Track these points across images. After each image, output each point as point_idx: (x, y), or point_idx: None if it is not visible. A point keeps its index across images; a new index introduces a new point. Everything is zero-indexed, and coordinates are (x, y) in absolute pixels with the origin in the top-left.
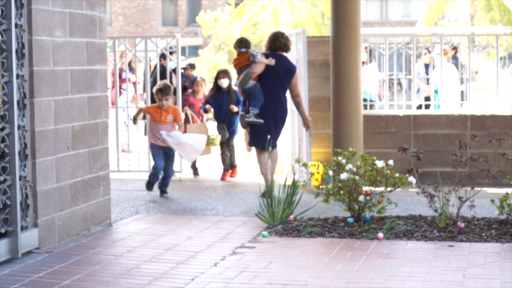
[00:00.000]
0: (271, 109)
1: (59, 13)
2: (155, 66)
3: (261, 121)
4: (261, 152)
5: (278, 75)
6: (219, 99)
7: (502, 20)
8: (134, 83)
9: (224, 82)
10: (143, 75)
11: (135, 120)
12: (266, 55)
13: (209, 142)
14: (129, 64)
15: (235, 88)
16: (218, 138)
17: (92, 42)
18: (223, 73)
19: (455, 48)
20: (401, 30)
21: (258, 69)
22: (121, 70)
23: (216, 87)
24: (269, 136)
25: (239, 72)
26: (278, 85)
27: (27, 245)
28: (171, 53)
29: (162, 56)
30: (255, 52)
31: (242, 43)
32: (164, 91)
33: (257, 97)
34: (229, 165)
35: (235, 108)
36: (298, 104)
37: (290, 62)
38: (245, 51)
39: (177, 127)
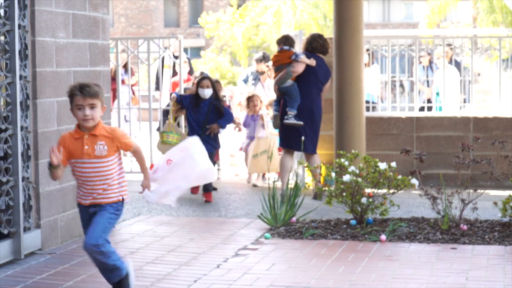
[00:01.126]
0: (307, 110)
1: (62, 14)
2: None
3: (301, 123)
4: (287, 154)
5: (317, 76)
6: (197, 110)
7: (504, 22)
8: (132, 85)
9: (206, 93)
10: (149, 77)
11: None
12: (307, 55)
13: (164, 140)
14: (125, 65)
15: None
16: (179, 138)
17: (95, 43)
18: (206, 81)
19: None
20: (403, 32)
21: (300, 68)
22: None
23: (197, 95)
24: (303, 138)
25: (277, 70)
26: (315, 87)
27: (30, 246)
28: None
29: (190, 73)
30: (300, 52)
31: (287, 41)
32: (85, 90)
33: (294, 98)
34: (203, 187)
35: (215, 129)
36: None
37: (327, 65)
38: (287, 49)
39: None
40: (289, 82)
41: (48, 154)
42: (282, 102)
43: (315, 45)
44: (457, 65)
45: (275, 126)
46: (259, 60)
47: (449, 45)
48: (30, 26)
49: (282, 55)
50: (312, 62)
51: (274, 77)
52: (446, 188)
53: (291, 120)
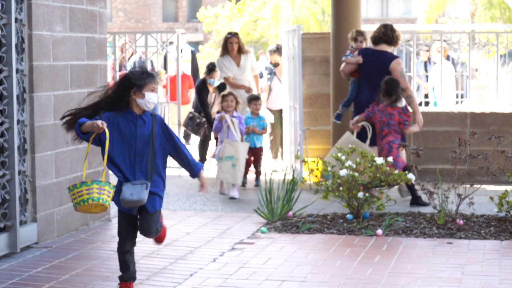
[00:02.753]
0: (363, 107)
1: (59, 8)
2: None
3: (338, 122)
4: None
5: (365, 72)
6: (131, 130)
7: (502, 18)
8: None
9: (150, 102)
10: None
11: None
12: (359, 52)
13: (93, 198)
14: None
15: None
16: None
17: (92, 37)
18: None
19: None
20: (401, 27)
21: (346, 68)
22: (120, 65)
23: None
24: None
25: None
26: (367, 82)
27: (26, 240)
28: (212, 69)
29: (209, 70)
30: (348, 52)
31: (353, 39)
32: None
33: (348, 94)
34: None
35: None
36: (407, 98)
37: (385, 56)
38: (351, 47)
39: None
40: (351, 79)
41: (44, 148)
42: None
43: (376, 36)
44: (451, 60)
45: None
46: (272, 51)
47: (445, 41)
48: (27, 19)
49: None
50: (358, 60)
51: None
52: (443, 183)
53: (333, 118)
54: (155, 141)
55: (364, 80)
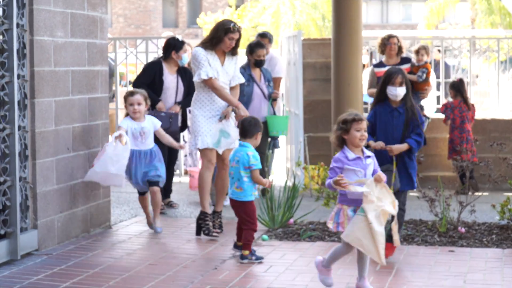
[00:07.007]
0: None
1: (61, 13)
2: None
3: None
4: None
5: None
6: None
7: (502, 24)
8: None
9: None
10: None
11: None
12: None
13: None
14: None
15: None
16: None
17: (93, 42)
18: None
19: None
20: (402, 33)
21: None
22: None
23: None
24: None
25: None
26: None
27: (27, 247)
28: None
29: (171, 46)
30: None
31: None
32: None
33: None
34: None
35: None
36: None
37: None
38: None
39: None
40: None
41: (45, 155)
42: None
43: None
44: (446, 66)
45: None
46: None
47: (445, 47)
48: (28, 25)
49: None
50: None
51: None
52: (444, 190)
53: None
54: None
55: None
